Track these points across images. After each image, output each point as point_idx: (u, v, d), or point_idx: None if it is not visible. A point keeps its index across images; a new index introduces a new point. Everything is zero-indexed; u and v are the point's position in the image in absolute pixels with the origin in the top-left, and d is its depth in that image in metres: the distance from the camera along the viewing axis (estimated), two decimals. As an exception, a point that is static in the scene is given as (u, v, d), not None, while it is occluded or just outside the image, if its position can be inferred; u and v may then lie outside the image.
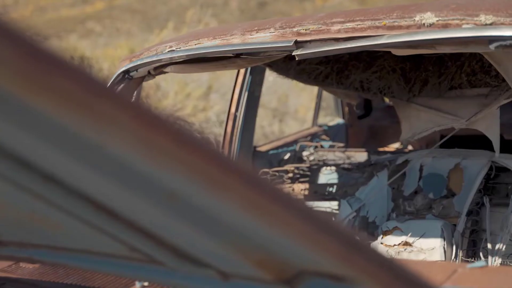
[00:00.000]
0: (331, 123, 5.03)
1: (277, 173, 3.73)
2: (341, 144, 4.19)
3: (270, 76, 4.17)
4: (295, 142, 4.27)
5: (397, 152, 3.74)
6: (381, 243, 2.93)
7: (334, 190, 3.51)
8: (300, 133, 4.58)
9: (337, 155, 3.93)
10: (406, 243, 2.88)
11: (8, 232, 1.30)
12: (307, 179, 3.68)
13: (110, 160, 0.61)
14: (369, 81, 3.16)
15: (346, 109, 4.95)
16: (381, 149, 4.19)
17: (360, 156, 3.89)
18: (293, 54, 2.23)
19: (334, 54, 2.23)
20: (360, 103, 4.92)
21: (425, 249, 2.83)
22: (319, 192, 3.54)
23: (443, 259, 2.78)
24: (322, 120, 5.53)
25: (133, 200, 0.78)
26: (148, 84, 7.59)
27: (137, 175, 0.61)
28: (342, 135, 4.91)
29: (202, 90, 7.26)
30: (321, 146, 4.17)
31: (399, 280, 0.65)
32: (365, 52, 3.11)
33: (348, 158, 3.90)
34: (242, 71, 3.68)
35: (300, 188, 3.60)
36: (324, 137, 4.67)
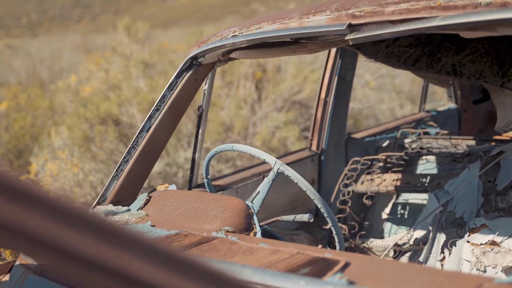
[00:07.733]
0: (441, 108, 4.69)
1: (369, 162, 3.55)
2: (445, 132, 3.88)
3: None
4: (396, 128, 4.03)
5: (501, 141, 3.40)
6: (467, 242, 2.70)
7: (427, 182, 3.27)
8: (403, 119, 4.31)
9: (440, 143, 3.66)
10: (493, 243, 2.63)
11: None
12: (401, 168, 3.46)
13: None
14: (462, 65, 2.89)
15: (459, 92, 4.60)
16: (497, 137, 3.83)
17: (467, 144, 3.59)
18: (346, 38, 2.08)
19: (388, 37, 2.04)
20: (478, 86, 4.56)
21: (513, 251, 2.57)
22: (412, 183, 3.31)
23: (532, 262, 2.50)
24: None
25: None
26: (268, 68, 7.52)
27: None
28: (454, 121, 4.57)
29: (320, 73, 7.09)
30: (425, 133, 3.90)
31: None
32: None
33: (454, 146, 3.62)
34: (332, 55, 3.53)
35: (392, 179, 3.40)
36: (431, 123, 4.36)
